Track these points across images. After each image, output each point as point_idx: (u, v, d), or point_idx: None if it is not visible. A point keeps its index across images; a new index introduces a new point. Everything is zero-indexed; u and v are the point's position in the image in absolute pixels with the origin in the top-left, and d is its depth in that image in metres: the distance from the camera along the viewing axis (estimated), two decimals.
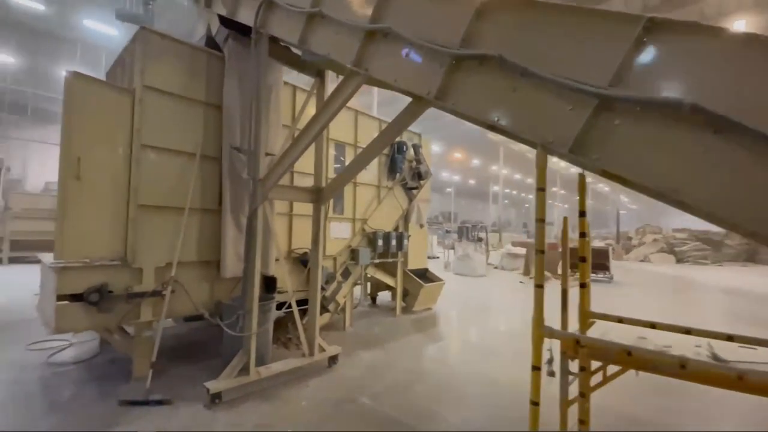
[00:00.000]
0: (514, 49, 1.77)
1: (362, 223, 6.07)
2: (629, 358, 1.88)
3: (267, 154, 4.15)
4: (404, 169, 6.67)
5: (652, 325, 2.57)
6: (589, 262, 2.87)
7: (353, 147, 5.97)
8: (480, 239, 15.43)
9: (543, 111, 1.70)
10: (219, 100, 4.23)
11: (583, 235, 2.79)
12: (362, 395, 3.54)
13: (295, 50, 4.07)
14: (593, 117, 1.55)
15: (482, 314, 7.31)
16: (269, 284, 4.54)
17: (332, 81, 4.25)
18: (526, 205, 70.67)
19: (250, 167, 3.61)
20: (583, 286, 2.88)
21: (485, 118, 1.88)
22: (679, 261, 23.19)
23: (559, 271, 13.79)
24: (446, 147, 32.22)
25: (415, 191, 6.96)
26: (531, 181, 51.60)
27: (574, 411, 2.18)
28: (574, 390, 2.23)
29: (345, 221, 5.84)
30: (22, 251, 12.39)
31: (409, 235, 6.80)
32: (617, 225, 26.60)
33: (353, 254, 5.84)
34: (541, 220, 1.87)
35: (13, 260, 12.25)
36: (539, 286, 1.92)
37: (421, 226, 7.39)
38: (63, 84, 3.31)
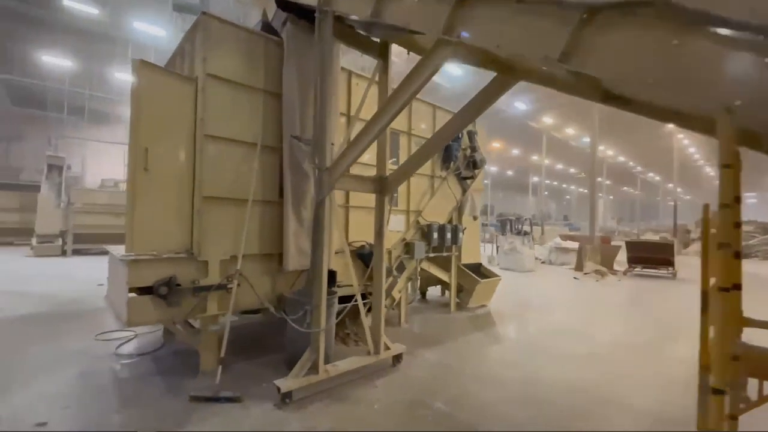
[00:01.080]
0: None
1: (416, 216, 5.80)
2: None
3: None
4: (459, 157, 6.31)
5: None
6: (740, 258, 2.40)
7: (407, 135, 5.69)
8: (526, 232, 14.77)
9: None
10: (277, 87, 4.07)
11: (737, 225, 2.32)
12: (436, 399, 3.30)
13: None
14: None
15: (541, 313, 6.86)
16: (330, 278, 4.38)
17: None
18: (567, 197, 67.68)
19: (315, 157, 3.42)
20: (736, 287, 2.41)
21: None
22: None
23: (615, 267, 12.97)
24: (484, 137, 31.19)
25: (469, 181, 6.60)
26: (573, 170, 49.27)
27: None
28: None
29: (399, 213, 5.59)
30: (83, 244, 13.14)
31: (464, 228, 6.46)
32: (674, 217, 24.71)
33: (408, 248, 5.59)
34: (725, 205, 1.49)
35: (75, 252, 13.03)
36: (730, 288, 1.49)
37: (475, 218, 7.02)
38: (131, 71, 3.25)
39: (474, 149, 6.49)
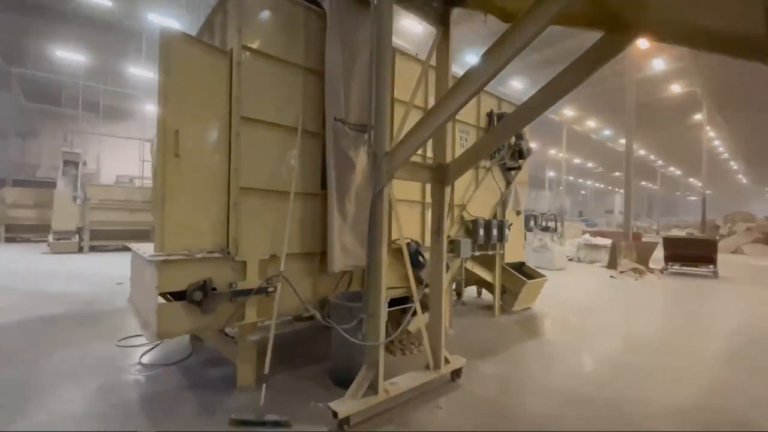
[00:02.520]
0: None
1: (460, 210, 5.28)
2: None
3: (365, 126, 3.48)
4: (504, 146, 5.76)
5: None
6: None
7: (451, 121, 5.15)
8: (553, 229, 14.13)
9: None
10: (317, 64, 3.58)
11: None
12: (518, 425, 2.80)
13: None
14: None
15: (591, 315, 6.30)
16: None
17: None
18: (582, 192, 66.27)
19: (372, 140, 2.92)
20: None
21: None
22: None
23: (651, 264, 12.28)
24: None
25: (513, 172, 6.05)
26: (591, 165, 48.07)
27: None
28: None
29: None
30: (99, 240, 12.91)
31: (511, 224, 5.92)
32: (703, 212, 23.73)
33: (452, 245, 5.08)
34: None
35: (92, 249, 12.81)
36: None
37: (518, 212, 6.48)
38: (159, 40, 2.78)
39: (520, 137, 5.93)
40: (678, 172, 55.02)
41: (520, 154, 5.97)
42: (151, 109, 20.77)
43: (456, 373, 3.51)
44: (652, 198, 65.62)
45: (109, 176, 19.69)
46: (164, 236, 2.76)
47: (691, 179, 60.92)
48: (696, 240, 12.94)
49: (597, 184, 63.92)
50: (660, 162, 47.13)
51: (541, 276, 6.44)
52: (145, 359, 3.81)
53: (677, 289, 9.28)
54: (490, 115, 5.64)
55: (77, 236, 12.53)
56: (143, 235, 13.06)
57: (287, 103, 3.43)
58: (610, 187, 64.99)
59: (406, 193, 4.38)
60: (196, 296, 2.80)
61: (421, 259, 4.25)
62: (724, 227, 24.07)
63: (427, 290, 4.49)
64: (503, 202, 6.02)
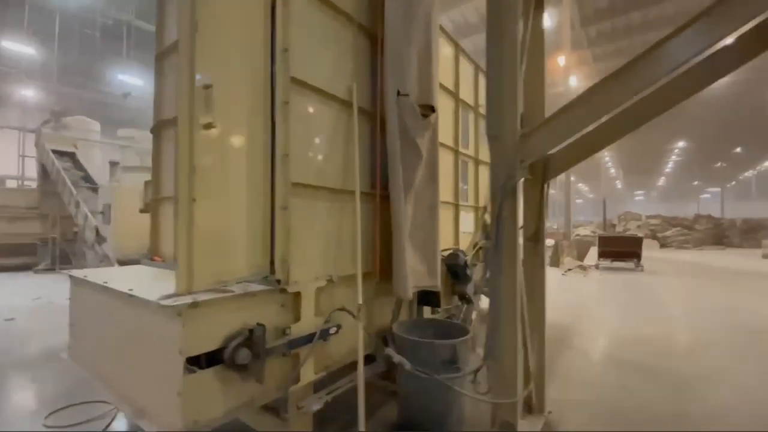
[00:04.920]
0: None
1: (483, 212, 4.73)
2: None
3: (427, 107, 2.73)
4: None
5: None
6: None
7: (473, 111, 4.56)
8: None
9: None
10: (368, 21, 2.71)
11: None
12: None
13: None
14: None
15: (578, 315, 6.24)
16: (431, 300, 3.15)
17: None
18: None
19: (497, 119, 2.14)
20: None
21: None
22: (662, 246, 23.82)
23: (585, 261, 13.24)
24: None
25: None
26: None
27: None
28: None
29: (468, 210, 4.47)
30: None
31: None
32: (603, 213, 27.01)
33: (480, 255, 4.49)
34: None
35: None
36: None
37: None
38: None
39: None
40: (572, 177, 62.72)
41: None
42: (31, 94, 16.73)
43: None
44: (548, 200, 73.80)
45: None
46: (192, 259, 1.66)
47: (580, 184, 69.86)
48: (625, 237, 14.33)
49: None
50: None
51: None
52: None
53: (627, 283, 9.97)
54: None
55: None
56: (27, 251, 10.21)
57: (339, 67, 2.49)
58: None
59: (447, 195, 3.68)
60: (242, 356, 1.73)
61: (468, 272, 3.58)
62: (619, 225, 27.70)
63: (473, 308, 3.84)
64: None
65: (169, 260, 2.82)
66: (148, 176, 2.97)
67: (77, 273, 2.42)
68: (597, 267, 12.97)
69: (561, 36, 15.38)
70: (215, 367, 1.73)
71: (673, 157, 41.21)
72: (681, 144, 35.62)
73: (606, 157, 42.75)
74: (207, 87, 1.70)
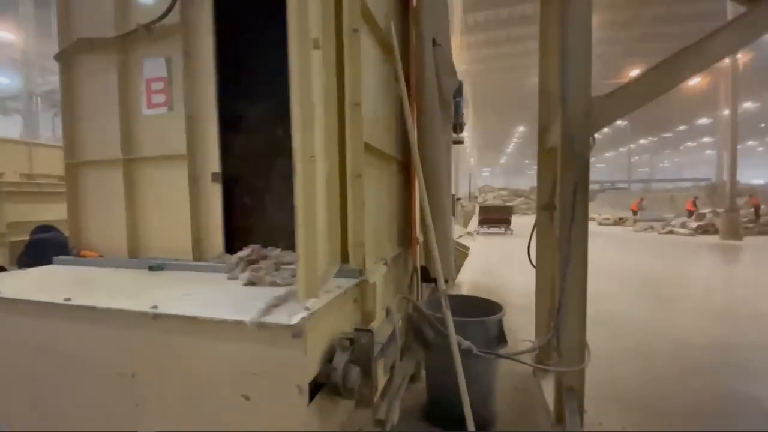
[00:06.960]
0: None
1: None
2: None
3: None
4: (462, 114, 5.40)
5: None
6: None
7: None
8: None
9: None
10: None
11: None
12: None
13: None
14: None
15: (499, 276, 6.98)
16: (427, 277, 2.98)
17: None
18: None
19: (569, 81, 1.98)
20: None
21: None
22: (513, 213, 28.54)
23: (470, 227, 14.87)
24: None
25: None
26: None
27: None
28: None
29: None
30: None
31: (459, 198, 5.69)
32: (469, 186, 30.68)
33: None
34: None
35: None
36: None
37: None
38: None
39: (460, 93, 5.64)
40: None
41: (461, 127, 5.75)
42: None
43: None
44: None
45: None
46: (315, 248, 1.11)
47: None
48: (500, 207, 16.58)
49: None
50: None
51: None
52: None
53: (507, 243, 11.62)
54: None
55: None
56: None
57: (377, 3, 1.98)
58: None
59: None
60: (353, 378, 1.27)
61: None
62: (480, 197, 31.96)
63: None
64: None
65: (115, 253, 1.98)
66: None
67: None
68: (478, 233, 14.76)
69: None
70: (316, 396, 1.23)
71: (514, 140, 49.00)
72: (521, 128, 42.45)
73: (467, 136, 48.24)
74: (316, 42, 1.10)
